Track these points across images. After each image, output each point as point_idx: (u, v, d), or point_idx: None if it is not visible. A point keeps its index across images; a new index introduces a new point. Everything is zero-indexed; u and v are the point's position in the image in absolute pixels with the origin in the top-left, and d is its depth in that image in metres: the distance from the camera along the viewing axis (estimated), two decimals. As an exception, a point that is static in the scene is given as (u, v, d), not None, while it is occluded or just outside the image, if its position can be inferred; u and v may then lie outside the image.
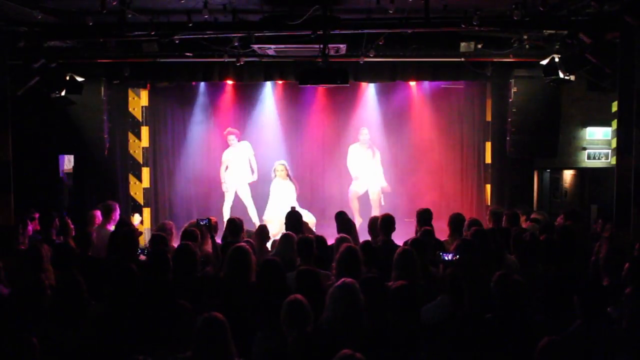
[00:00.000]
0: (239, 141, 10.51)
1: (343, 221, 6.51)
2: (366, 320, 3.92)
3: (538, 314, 4.25)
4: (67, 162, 10.89)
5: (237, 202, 10.50)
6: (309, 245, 5.27)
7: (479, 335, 3.94)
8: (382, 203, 10.40)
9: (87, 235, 6.12)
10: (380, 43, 8.07)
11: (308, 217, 9.87)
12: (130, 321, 4.01)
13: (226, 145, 10.97)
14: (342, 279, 3.98)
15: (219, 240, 6.47)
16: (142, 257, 5.53)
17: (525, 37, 8.03)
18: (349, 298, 3.86)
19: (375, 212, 9.80)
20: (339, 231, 6.44)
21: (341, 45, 8.03)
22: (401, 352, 3.75)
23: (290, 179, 10.04)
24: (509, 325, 3.95)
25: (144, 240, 9.03)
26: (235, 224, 6.40)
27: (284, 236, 5.80)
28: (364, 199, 10.55)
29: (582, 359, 3.63)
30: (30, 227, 7.12)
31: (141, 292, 4.33)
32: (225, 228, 6.50)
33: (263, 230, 6.52)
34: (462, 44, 8.38)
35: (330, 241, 6.05)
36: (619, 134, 6.93)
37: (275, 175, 10.05)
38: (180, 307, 3.66)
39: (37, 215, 7.53)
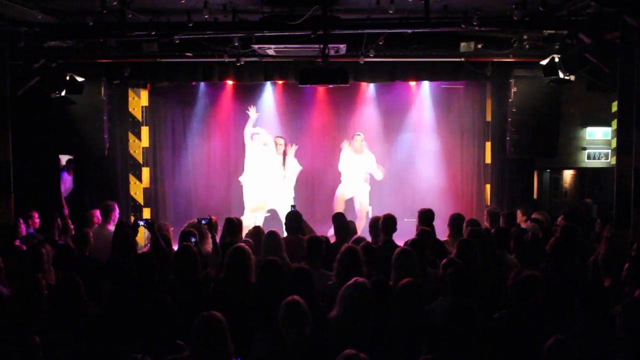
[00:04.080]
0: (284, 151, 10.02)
1: (340, 223, 6.50)
2: (373, 320, 3.94)
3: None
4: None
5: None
6: (319, 246, 5.27)
7: (488, 334, 3.96)
8: (369, 215, 9.74)
9: (85, 235, 6.13)
10: (380, 43, 8.07)
11: (295, 165, 9.87)
12: (128, 320, 4.01)
13: (226, 145, 10.99)
14: (355, 279, 3.99)
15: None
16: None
17: (525, 37, 8.03)
18: (361, 297, 3.88)
19: (360, 224, 9.51)
20: (336, 233, 6.43)
21: (341, 45, 8.03)
22: (404, 351, 3.76)
23: (286, 155, 9.80)
24: (520, 323, 3.97)
25: (144, 238, 9.03)
26: (233, 224, 6.39)
27: (269, 234, 5.77)
28: (351, 205, 10.23)
29: (587, 359, 3.64)
30: (23, 227, 7.11)
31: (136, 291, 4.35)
32: (223, 228, 6.47)
33: (257, 231, 6.50)
34: (462, 44, 8.39)
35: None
36: (619, 134, 6.93)
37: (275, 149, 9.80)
38: (162, 301, 3.70)
39: (35, 215, 7.52)
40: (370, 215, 9.75)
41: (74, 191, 10.24)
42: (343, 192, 10.26)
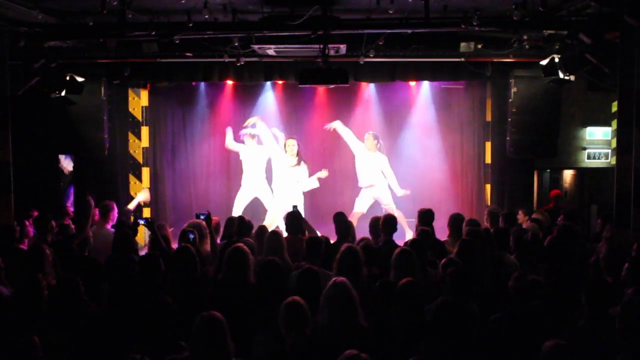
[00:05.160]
0: (258, 144, 9.96)
1: (341, 222, 6.49)
2: (364, 319, 3.93)
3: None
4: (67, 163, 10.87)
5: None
6: (319, 246, 5.27)
7: (485, 335, 3.95)
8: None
9: (85, 235, 6.13)
10: (380, 43, 8.07)
11: (313, 184, 9.71)
12: (127, 321, 4.01)
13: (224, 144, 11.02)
14: (334, 278, 3.99)
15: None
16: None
17: (525, 37, 8.04)
18: (342, 297, 3.86)
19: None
20: (337, 232, 6.42)
21: (341, 45, 8.03)
22: (403, 351, 3.75)
23: (301, 159, 9.68)
24: (517, 325, 3.96)
25: (144, 238, 9.02)
26: (244, 223, 6.38)
27: (271, 234, 5.77)
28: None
29: (588, 358, 3.64)
30: (30, 229, 7.08)
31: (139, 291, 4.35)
32: (235, 226, 6.43)
33: (261, 231, 6.50)
34: (462, 44, 8.39)
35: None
36: (619, 134, 6.93)
37: (286, 152, 9.66)
38: (162, 302, 3.70)
39: (35, 214, 7.50)
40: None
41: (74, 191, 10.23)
42: (359, 209, 9.90)
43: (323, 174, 9.70)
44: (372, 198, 9.99)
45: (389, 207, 9.75)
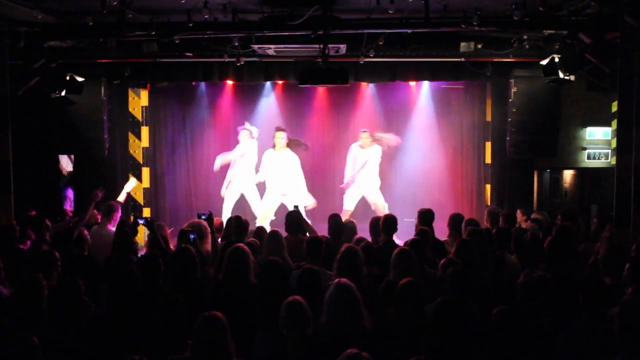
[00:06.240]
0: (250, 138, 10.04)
1: (335, 223, 6.47)
2: (367, 319, 3.92)
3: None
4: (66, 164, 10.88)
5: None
6: (319, 246, 5.27)
7: (486, 332, 3.95)
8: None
9: (81, 234, 6.12)
10: (380, 43, 8.07)
11: (308, 200, 9.72)
12: (127, 321, 4.01)
13: (226, 145, 10.98)
14: (337, 280, 3.98)
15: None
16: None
17: (525, 37, 8.04)
18: (346, 299, 3.86)
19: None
20: (329, 233, 6.41)
21: (341, 45, 8.03)
22: (403, 351, 3.75)
23: (291, 149, 9.74)
24: (519, 321, 3.96)
25: (144, 238, 9.02)
26: (241, 223, 6.38)
27: (271, 234, 5.77)
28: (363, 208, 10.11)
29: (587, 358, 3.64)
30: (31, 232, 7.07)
31: (139, 291, 4.35)
32: (233, 226, 6.42)
33: (260, 232, 6.50)
34: (462, 44, 8.40)
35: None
36: (619, 134, 6.92)
37: (275, 145, 9.73)
38: (171, 300, 3.70)
39: (33, 214, 7.49)
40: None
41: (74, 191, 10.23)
42: (347, 207, 9.98)
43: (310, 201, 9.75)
44: (360, 195, 10.03)
45: (379, 205, 9.80)
